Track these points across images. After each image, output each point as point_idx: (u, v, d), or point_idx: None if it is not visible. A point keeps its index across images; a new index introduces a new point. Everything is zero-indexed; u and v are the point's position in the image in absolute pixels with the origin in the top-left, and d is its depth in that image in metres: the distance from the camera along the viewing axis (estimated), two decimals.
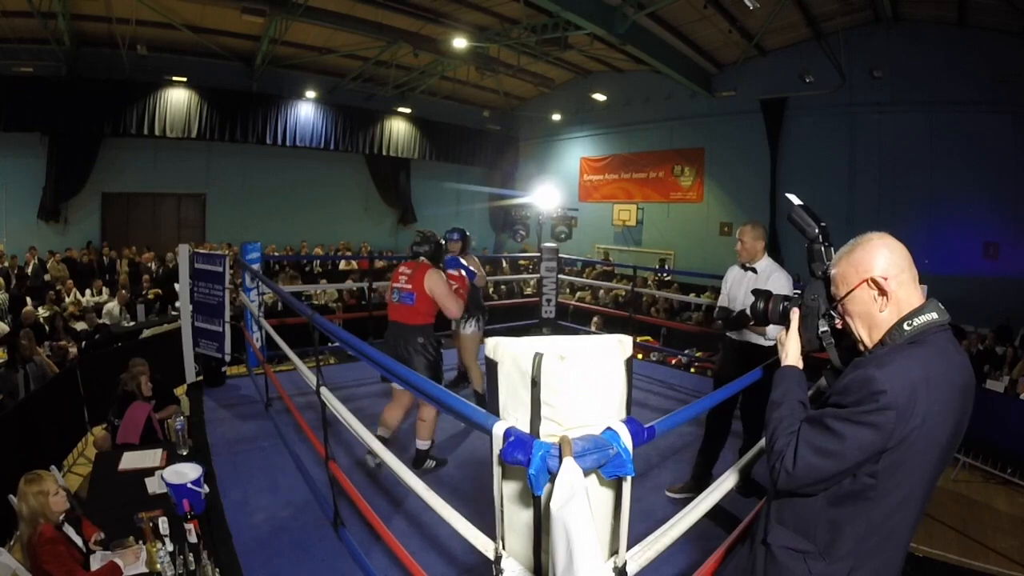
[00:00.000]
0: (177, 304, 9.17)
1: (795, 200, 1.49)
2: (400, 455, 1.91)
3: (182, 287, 4.68)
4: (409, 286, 3.35)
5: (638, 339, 7.00)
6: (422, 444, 3.33)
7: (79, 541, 2.42)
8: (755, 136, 12.16)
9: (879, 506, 1.15)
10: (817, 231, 1.41)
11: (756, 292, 1.56)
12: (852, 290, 1.24)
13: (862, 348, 1.27)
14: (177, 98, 11.70)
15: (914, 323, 1.17)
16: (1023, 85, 8.70)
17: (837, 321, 1.32)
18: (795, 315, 1.43)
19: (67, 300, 8.94)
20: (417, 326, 3.35)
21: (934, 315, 1.17)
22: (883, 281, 1.19)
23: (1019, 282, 8.98)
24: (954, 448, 1.21)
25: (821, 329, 1.35)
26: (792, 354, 1.42)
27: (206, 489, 2.79)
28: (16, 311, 8.11)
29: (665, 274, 12.61)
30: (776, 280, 3.10)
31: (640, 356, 7.03)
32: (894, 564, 1.21)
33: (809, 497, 1.22)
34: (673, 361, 7.22)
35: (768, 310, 1.50)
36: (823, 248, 1.39)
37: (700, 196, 13.65)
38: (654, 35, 10.87)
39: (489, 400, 1.35)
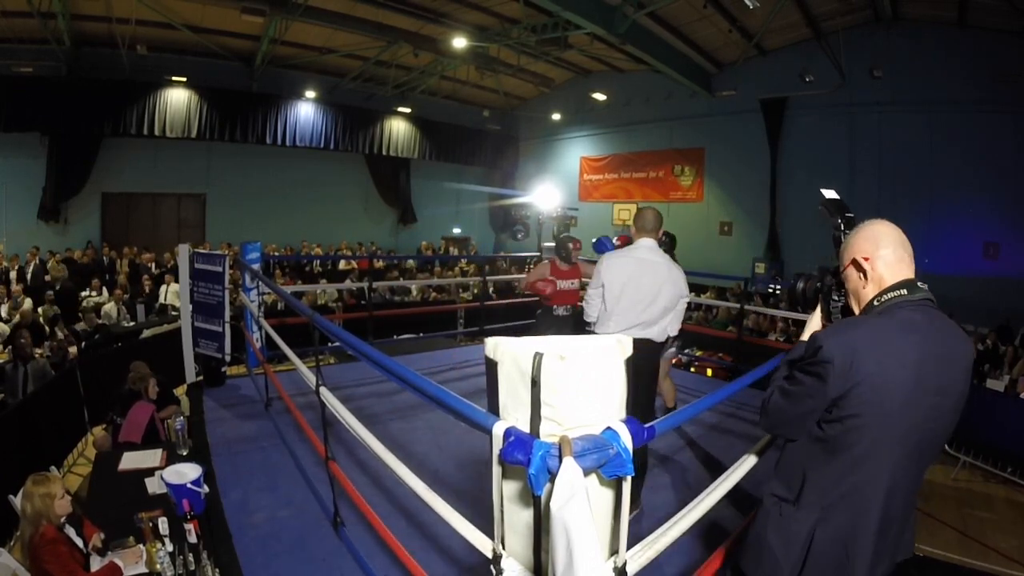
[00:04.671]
0: (163, 300, 9.23)
1: (826, 193, 1.68)
2: (404, 459, 1.91)
3: (182, 287, 4.68)
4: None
5: None
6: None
7: (80, 542, 2.42)
8: (755, 136, 12.16)
9: (836, 460, 1.25)
10: (840, 220, 1.58)
11: (798, 274, 1.69)
12: (844, 270, 1.39)
13: None
14: (177, 98, 11.69)
15: (883, 299, 1.29)
16: (1023, 85, 8.70)
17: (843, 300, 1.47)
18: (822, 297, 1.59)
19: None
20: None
21: (903, 292, 1.28)
22: (863, 261, 1.32)
23: (1019, 282, 8.98)
24: (930, 424, 1.25)
25: (832, 306, 1.52)
26: (813, 328, 1.58)
27: (206, 489, 2.79)
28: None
29: None
30: None
31: None
32: (862, 529, 1.25)
33: (794, 447, 1.35)
34: (673, 361, 7.21)
35: (804, 290, 1.65)
36: (842, 236, 1.53)
37: (700, 196, 13.65)
38: (654, 35, 10.87)
39: (489, 400, 1.35)
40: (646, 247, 2.85)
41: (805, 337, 1.56)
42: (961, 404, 1.28)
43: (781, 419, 1.35)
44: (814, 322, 1.60)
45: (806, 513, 1.29)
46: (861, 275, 1.34)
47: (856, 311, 1.38)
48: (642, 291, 2.76)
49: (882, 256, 1.31)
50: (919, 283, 1.29)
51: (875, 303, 1.30)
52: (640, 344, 2.84)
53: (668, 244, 4.14)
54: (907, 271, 1.31)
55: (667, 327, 2.85)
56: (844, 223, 1.58)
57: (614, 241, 4.25)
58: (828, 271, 1.56)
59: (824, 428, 1.27)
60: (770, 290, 10.31)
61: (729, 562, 1.93)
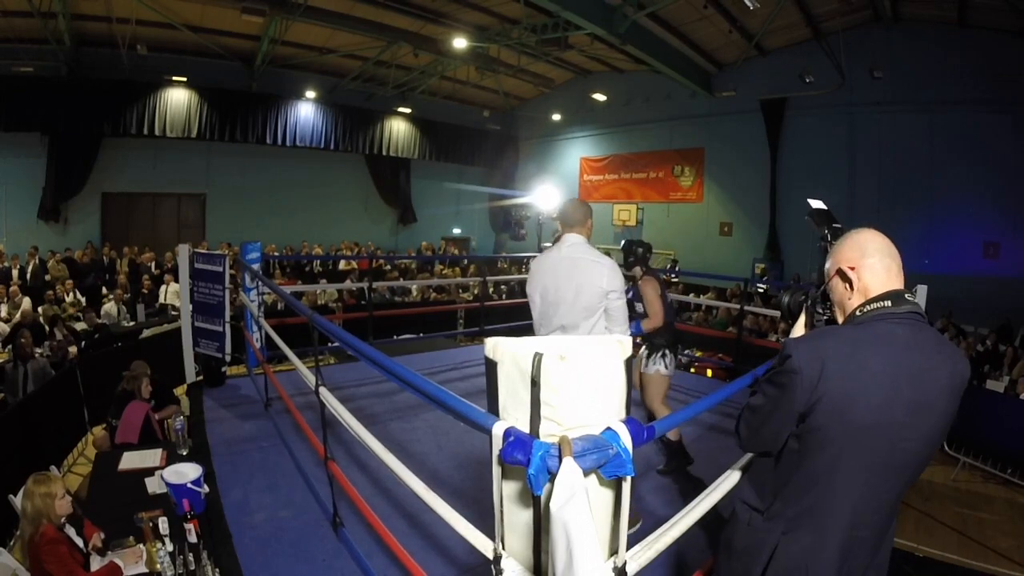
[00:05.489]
0: (163, 300, 9.27)
1: (813, 203, 1.65)
2: (404, 459, 1.91)
3: (182, 287, 4.68)
4: None
5: (638, 339, 6.98)
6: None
7: (80, 542, 2.42)
8: (755, 136, 12.16)
9: (801, 473, 1.23)
10: (826, 230, 1.55)
11: (785, 287, 1.71)
12: (829, 281, 1.35)
13: None
14: (177, 98, 11.70)
15: (865, 309, 1.24)
16: (1022, 85, 8.70)
17: (829, 311, 1.43)
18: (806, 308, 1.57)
19: (66, 300, 8.94)
20: None
21: (886, 303, 1.22)
22: (850, 271, 1.27)
23: (1019, 282, 8.98)
24: (902, 444, 1.18)
25: (816, 319, 1.49)
26: None
27: (206, 489, 2.79)
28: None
29: (674, 275, 12.35)
30: None
31: None
32: (823, 547, 1.22)
33: (767, 459, 1.33)
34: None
35: (790, 303, 1.64)
36: (828, 246, 1.49)
37: (700, 196, 13.65)
38: (654, 35, 10.87)
39: (489, 400, 1.35)
40: (568, 243, 2.56)
41: None
42: (945, 424, 1.22)
43: (752, 435, 1.32)
44: (796, 334, 1.53)
45: (772, 525, 1.28)
46: (847, 285, 1.28)
47: (840, 322, 1.33)
48: (559, 292, 2.50)
49: (868, 265, 1.25)
50: (908, 294, 1.23)
51: (857, 313, 1.25)
52: None
53: (642, 254, 3.76)
54: (895, 280, 1.25)
55: (600, 331, 2.52)
56: (831, 234, 1.54)
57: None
58: (814, 284, 1.53)
59: (790, 441, 1.25)
60: (759, 289, 10.36)
61: None
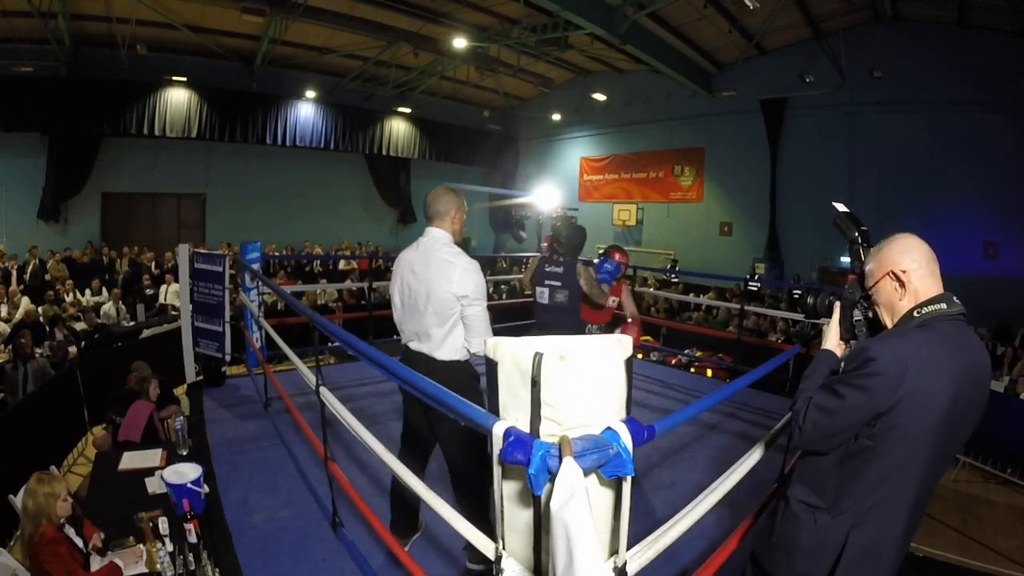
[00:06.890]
0: (163, 300, 9.28)
1: (839, 207, 1.68)
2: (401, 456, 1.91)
3: (182, 287, 4.68)
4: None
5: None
6: None
7: (80, 542, 2.42)
8: (755, 136, 12.16)
9: (874, 469, 1.29)
10: (856, 234, 1.61)
11: (806, 288, 1.74)
12: (877, 282, 1.40)
13: None
14: (177, 98, 11.70)
15: (923, 311, 1.32)
16: (1022, 85, 8.70)
17: (870, 312, 1.48)
18: (837, 307, 1.60)
19: (67, 300, 8.94)
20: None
21: (943, 306, 1.31)
22: (902, 274, 1.35)
23: (1019, 282, 8.98)
24: (957, 433, 1.30)
25: (855, 319, 1.52)
26: (831, 340, 1.58)
27: (206, 489, 2.79)
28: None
29: (674, 275, 12.12)
30: None
31: (640, 356, 7.03)
32: (892, 533, 1.31)
33: (823, 457, 1.37)
34: (673, 361, 7.22)
35: (816, 304, 1.69)
36: (861, 249, 1.57)
37: (700, 196, 13.65)
38: (654, 35, 10.87)
39: (489, 400, 1.35)
40: (426, 238, 2.31)
41: (828, 345, 1.57)
42: (982, 415, 1.32)
43: (820, 435, 1.34)
44: (832, 334, 1.59)
45: (840, 520, 1.32)
46: (898, 287, 1.36)
47: (889, 323, 1.39)
48: (413, 293, 2.27)
49: (916, 268, 1.34)
50: (955, 297, 1.32)
51: (915, 314, 1.32)
52: (417, 359, 2.25)
53: (578, 238, 3.56)
54: (939, 284, 1.35)
55: (459, 341, 2.26)
56: (860, 236, 1.60)
57: (613, 261, 3.94)
58: (855, 286, 1.53)
59: (862, 439, 1.29)
60: (751, 288, 10.33)
61: (730, 563, 1.93)
